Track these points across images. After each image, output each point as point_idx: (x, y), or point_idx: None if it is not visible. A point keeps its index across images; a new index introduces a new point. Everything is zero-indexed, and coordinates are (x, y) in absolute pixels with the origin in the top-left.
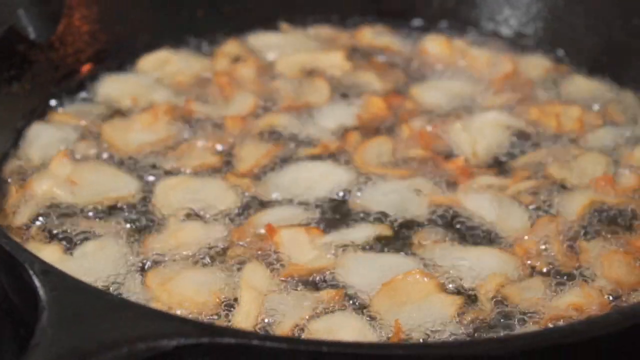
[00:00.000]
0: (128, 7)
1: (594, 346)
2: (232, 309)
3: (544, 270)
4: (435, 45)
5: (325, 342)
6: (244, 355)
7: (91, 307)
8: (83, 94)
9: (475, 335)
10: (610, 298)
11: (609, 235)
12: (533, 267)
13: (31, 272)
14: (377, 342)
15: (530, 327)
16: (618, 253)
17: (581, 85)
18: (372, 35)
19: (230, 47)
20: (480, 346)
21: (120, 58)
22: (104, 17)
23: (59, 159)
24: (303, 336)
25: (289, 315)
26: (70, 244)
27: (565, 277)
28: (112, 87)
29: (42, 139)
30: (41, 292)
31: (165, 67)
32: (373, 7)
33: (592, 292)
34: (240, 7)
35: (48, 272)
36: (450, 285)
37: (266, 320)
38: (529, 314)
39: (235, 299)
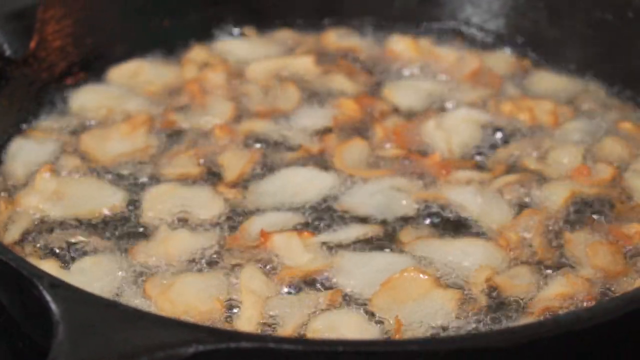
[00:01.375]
0: (97, 20)
1: (597, 332)
2: (233, 314)
3: (529, 261)
4: (401, 45)
5: (341, 341)
6: (261, 358)
7: (106, 318)
8: (59, 108)
9: (476, 327)
10: (597, 287)
11: (591, 225)
12: (518, 259)
13: (41, 287)
14: (391, 339)
15: (527, 316)
16: (602, 243)
17: (548, 79)
18: (337, 38)
19: (197, 54)
20: (490, 338)
21: (92, 70)
22: (74, 31)
23: (43, 173)
24: (305, 336)
25: (290, 316)
26: (64, 258)
27: (550, 268)
28: (86, 99)
29: (23, 154)
30: (53, 306)
31: (136, 77)
32: (335, 9)
33: (578, 281)
34: (205, 14)
35: (57, 285)
36: (444, 280)
37: (268, 323)
38: (522, 303)
39: (237, 304)
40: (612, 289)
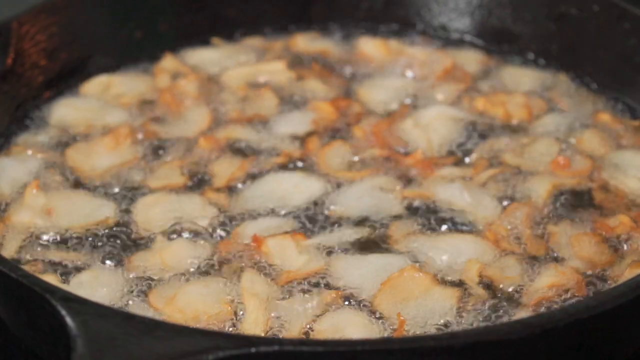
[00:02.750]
0: (70, 35)
1: (605, 319)
2: (238, 319)
3: (518, 254)
4: (371, 46)
5: (359, 341)
6: None
7: (123, 330)
8: (39, 123)
9: (478, 322)
10: (586, 276)
11: (574, 217)
12: (507, 252)
13: (54, 302)
14: (408, 336)
15: (524, 308)
16: (587, 234)
17: (517, 74)
18: (305, 42)
19: (169, 64)
20: (503, 330)
21: (68, 84)
22: (49, 46)
23: (31, 190)
24: (311, 337)
25: (295, 318)
26: (62, 273)
27: (539, 260)
28: (65, 113)
29: (8, 172)
30: (68, 319)
31: (109, 89)
32: (302, 14)
33: (566, 271)
34: (174, 25)
35: (70, 299)
36: (440, 276)
37: (273, 326)
38: (517, 296)
39: (240, 309)
40: (601, 278)
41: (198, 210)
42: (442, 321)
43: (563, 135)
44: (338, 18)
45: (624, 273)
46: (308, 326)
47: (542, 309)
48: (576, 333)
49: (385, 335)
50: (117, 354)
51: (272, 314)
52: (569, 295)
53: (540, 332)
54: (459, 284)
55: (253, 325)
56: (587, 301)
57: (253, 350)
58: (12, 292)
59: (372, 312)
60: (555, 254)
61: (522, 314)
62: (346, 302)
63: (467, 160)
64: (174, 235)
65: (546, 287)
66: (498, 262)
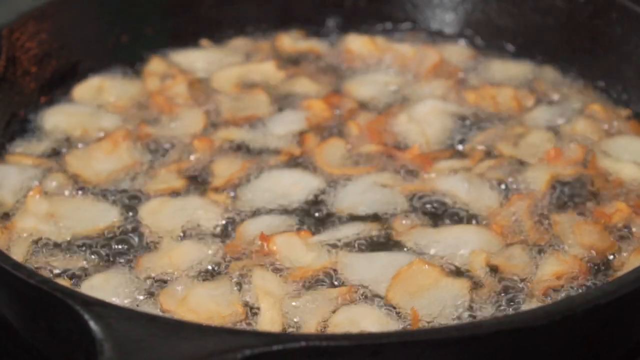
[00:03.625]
0: (60, 41)
1: (621, 304)
2: (252, 317)
3: (522, 243)
4: (359, 44)
5: (384, 334)
6: (307, 357)
7: (149, 331)
8: (34, 130)
9: (490, 312)
10: (589, 263)
11: (574, 206)
12: (511, 242)
13: (77, 307)
14: (431, 328)
15: (533, 297)
16: (587, 222)
17: (504, 67)
18: (292, 42)
19: (157, 66)
20: (524, 318)
21: (60, 90)
22: (39, 53)
23: (34, 196)
24: (328, 332)
25: (310, 315)
26: (72, 278)
27: (542, 249)
28: (59, 119)
29: (8, 180)
30: (92, 323)
31: (100, 94)
32: (285, 13)
33: (568, 259)
34: (161, 29)
35: (93, 303)
36: (448, 268)
37: (289, 324)
38: (524, 285)
39: (253, 307)
40: (604, 263)
41: (201, 211)
42: (455, 312)
43: (555, 126)
44: (322, 16)
45: (628, 259)
46: (323, 322)
47: (550, 298)
48: (594, 319)
49: (402, 327)
50: (145, 355)
51: (287, 312)
52: (575, 283)
53: (561, 319)
54: (467, 275)
55: (269, 324)
56: (605, 287)
57: (280, 347)
58: (30, 298)
59: (385, 306)
60: (558, 243)
61: (532, 302)
62: (359, 297)
63: (462, 152)
64: (181, 237)
65: (552, 276)
66: (503, 252)
